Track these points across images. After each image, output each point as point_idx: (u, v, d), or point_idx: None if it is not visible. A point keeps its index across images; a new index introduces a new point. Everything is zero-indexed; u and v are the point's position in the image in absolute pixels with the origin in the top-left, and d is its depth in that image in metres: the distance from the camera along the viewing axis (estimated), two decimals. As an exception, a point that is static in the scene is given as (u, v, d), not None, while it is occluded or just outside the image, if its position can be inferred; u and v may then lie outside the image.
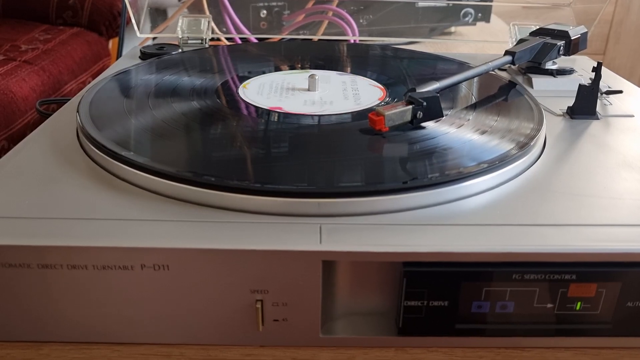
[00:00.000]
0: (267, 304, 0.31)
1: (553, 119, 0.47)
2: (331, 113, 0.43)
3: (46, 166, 0.37)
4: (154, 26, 0.73)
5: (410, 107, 0.39)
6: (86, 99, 0.44)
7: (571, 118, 0.47)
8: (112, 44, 1.26)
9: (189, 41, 0.65)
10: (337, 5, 0.76)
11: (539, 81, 0.52)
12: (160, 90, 0.46)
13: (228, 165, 0.35)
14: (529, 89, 0.52)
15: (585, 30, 0.57)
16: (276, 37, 0.84)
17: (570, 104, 0.49)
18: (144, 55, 0.60)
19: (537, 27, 0.65)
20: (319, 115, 0.43)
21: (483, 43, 0.95)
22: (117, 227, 0.31)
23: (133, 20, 0.64)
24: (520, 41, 0.55)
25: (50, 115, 0.69)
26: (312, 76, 0.47)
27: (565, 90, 0.52)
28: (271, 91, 0.47)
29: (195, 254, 0.30)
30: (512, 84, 0.52)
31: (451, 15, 0.94)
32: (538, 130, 0.40)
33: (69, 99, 0.83)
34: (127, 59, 0.61)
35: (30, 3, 1.22)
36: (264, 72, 0.52)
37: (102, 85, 0.47)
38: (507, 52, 0.52)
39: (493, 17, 0.95)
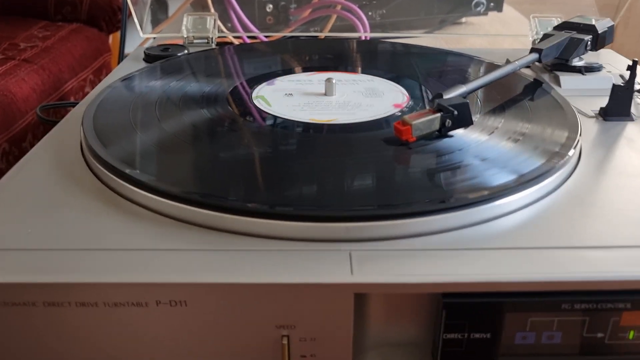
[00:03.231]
0: (294, 340, 0.28)
1: (586, 122, 0.44)
2: (352, 121, 0.40)
3: (49, 188, 0.34)
4: (156, 23, 0.70)
5: (439, 115, 0.36)
6: (90, 110, 0.41)
7: (604, 120, 0.44)
8: (112, 38, 1.23)
9: (195, 41, 0.62)
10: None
11: (567, 80, 0.50)
12: (168, 99, 0.44)
13: (248, 187, 0.32)
14: (556, 87, 0.49)
15: (612, 23, 0.54)
16: (284, 32, 0.81)
17: (601, 103, 0.46)
18: (148, 57, 0.57)
19: (561, 21, 0.62)
20: (340, 125, 0.40)
21: (502, 37, 0.92)
22: (128, 259, 0.28)
23: (135, 20, 0.61)
24: (545, 36, 0.52)
25: (51, 121, 0.67)
26: (329, 80, 0.45)
27: (595, 89, 0.49)
28: (287, 98, 0.44)
29: (215, 289, 0.27)
30: (537, 82, 0.49)
31: (462, 5, 0.91)
32: (574, 138, 0.38)
33: (70, 103, 0.80)
34: (131, 61, 0.58)
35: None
36: (275, 76, 0.49)
37: (105, 94, 0.44)
38: (533, 50, 0.49)
39: (505, 5, 0.91)
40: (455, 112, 0.36)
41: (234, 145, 0.37)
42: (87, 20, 1.15)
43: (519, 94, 0.47)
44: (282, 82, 0.48)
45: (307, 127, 0.40)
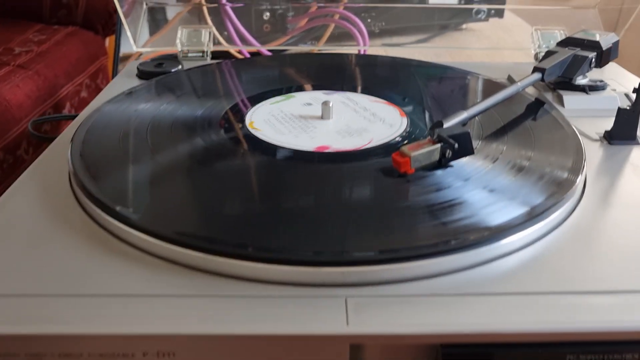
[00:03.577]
0: (287, 391, 0.27)
1: (590, 146, 0.43)
2: (349, 149, 0.39)
3: (34, 223, 0.33)
4: (152, 33, 0.68)
5: (439, 146, 0.35)
6: (78, 136, 0.40)
7: (609, 144, 0.43)
8: (109, 41, 1.21)
9: (189, 54, 0.61)
10: (345, 8, 0.71)
11: (570, 99, 0.48)
12: (161, 124, 0.42)
13: (239, 227, 0.31)
14: (559, 107, 0.48)
15: (617, 38, 0.53)
16: (281, 41, 0.79)
17: (606, 124, 0.45)
18: (141, 73, 0.55)
19: (564, 34, 0.61)
20: (335, 154, 0.39)
21: (497, 41, 0.91)
22: (115, 306, 0.27)
23: (128, 33, 0.60)
24: (548, 54, 0.51)
25: (43, 138, 0.66)
26: (325, 103, 0.43)
27: (599, 109, 0.48)
28: (281, 123, 0.43)
29: (204, 340, 0.26)
30: (539, 102, 0.48)
31: (463, 12, 0.89)
32: (579, 169, 0.36)
33: (63, 116, 0.78)
34: (124, 77, 0.56)
35: (23, 2, 1.17)
36: (270, 95, 0.48)
37: (94, 119, 0.43)
38: (536, 69, 0.48)
39: (506, 11, 0.90)
40: (456, 145, 0.34)
41: (225, 180, 0.36)
42: (83, 24, 1.14)
43: (521, 115, 0.45)
44: (277, 104, 0.47)
45: (301, 156, 0.38)
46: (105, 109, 0.45)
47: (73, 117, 0.71)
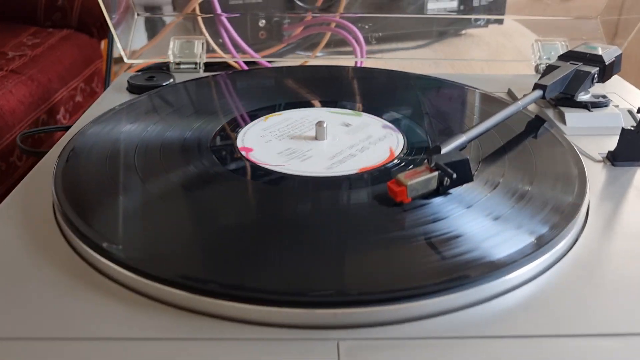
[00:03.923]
0: None
1: (592, 167, 0.41)
2: (343, 173, 0.38)
3: (15, 256, 0.32)
4: (146, 40, 0.67)
5: (436, 174, 0.34)
6: (62, 161, 0.38)
7: (613, 165, 0.42)
8: (104, 44, 1.20)
9: (182, 66, 0.59)
10: (341, 18, 0.70)
11: (572, 117, 0.47)
12: (147, 148, 0.40)
13: (226, 266, 0.30)
14: (560, 125, 0.47)
15: (620, 51, 0.51)
16: (277, 48, 0.78)
17: (609, 142, 0.43)
18: (132, 87, 0.54)
19: (565, 45, 0.59)
20: (329, 179, 0.37)
21: (497, 47, 0.89)
22: (97, 352, 0.26)
23: (119, 45, 0.58)
24: (549, 69, 0.49)
25: (32, 152, 0.64)
26: (319, 124, 0.42)
27: (602, 127, 0.46)
28: (274, 144, 0.42)
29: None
30: (540, 120, 0.47)
31: (462, 18, 0.88)
32: (582, 198, 0.35)
33: (53, 128, 0.77)
34: (114, 91, 0.55)
35: (17, 5, 1.15)
36: (263, 112, 0.47)
37: (78, 143, 0.41)
38: (537, 86, 0.46)
39: (506, 17, 0.89)
40: (454, 175, 0.33)
41: (214, 212, 0.34)
42: (78, 27, 1.12)
43: (521, 134, 0.44)
44: (270, 122, 0.45)
45: (292, 183, 0.37)
46: (90, 132, 0.43)
47: (63, 129, 0.70)
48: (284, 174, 0.38)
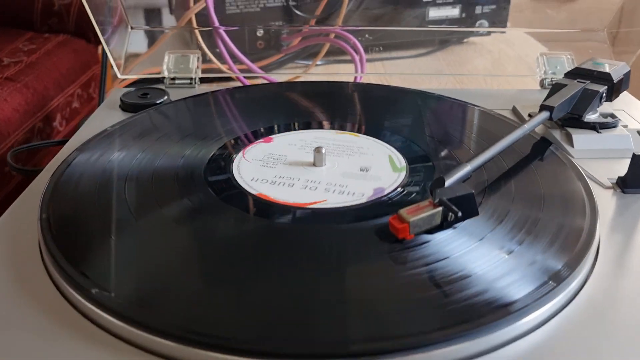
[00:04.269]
0: None
1: (602, 194, 0.40)
2: (342, 205, 0.36)
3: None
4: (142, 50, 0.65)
5: (440, 209, 0.32)
6: (48, 193, 0.37)
7: (623, 192, 0.40)
8: (101, 49, 1.18)
9: (177, 81, 0.58)
10: (342, 29, 0.68)
11: (580, 139, 0.45)
12: (138, 178, 0.39)
13: (222, 315, 0.28)
14: (567, 147, 0.45)
15: (628, 68, 0.50)
16: (275, 58, 0.76)
17: (618, 166, 0.42)
18: (125, 105, 0.52)
19: (571, 59, 0.58)
20: (327, 211, 0.36)
21: (499, 54, 0.88)
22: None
23: (112, 61, 0.56)
24: (556, 88, 0.48)
25: (23, 171, 0.62)
26: (318, 150, 0.40)
27: (611, 150, 0.45)
28: (269, 169, 0.40)
29: None
30: (546, 142, 0.45)
31: (464, 26, 0.86)
32: (593, 230, 0.33)
33: (44, 144, 0.75)
34: (106, 109, 0.53)
35: (13, 10, 1.14)
36: (259, 135, 0.45)
37: (67, 173, 0.39)
38: (543, 107, 0.44)
39: (509, 25, 0.87)
40: (460, 214, 0.31)
41: (212, 254, 0.33)
42: (75, 32, 1.11)
43: (526, 157, 0.43)
44: (267, 145, 0.43)
45: (288, 214, 0.35)
46: (77, 161, 0.41)
47: (53, 144, 0.68)
48: (279, 204, 0.36)
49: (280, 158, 0.42)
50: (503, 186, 0.39)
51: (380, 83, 0.76)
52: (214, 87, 0.70)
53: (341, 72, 0.74)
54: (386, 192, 0.38)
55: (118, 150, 0.42)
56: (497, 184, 0.39)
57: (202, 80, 0.63)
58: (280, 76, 0.76)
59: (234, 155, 0.42)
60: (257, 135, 0.45)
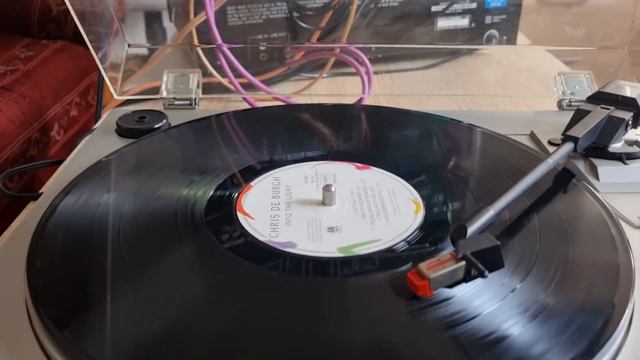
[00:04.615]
0: None
1: (631, 234, 0.37)
2: (356, 253, 0.33)
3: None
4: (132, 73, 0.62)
5: (463, 264, 0.29)
6: (34, 246, 0.33)
7: (655, 233, 0.37)
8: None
9: (176, 102, 0.55)
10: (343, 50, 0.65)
11: (605, 172, 0.42)
12: (134, 222, 0.35)
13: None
14: (592, 180, 0.42)
15: (655, 92, 0.47)
16: (278, 72, 0.73)
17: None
18: (121, 130, 0.49)
19: (590, 78, 0.55)
20: (338, 260, 0.33)
21: (509, 66, 0.85)
22: None
23: (108, 82, 0.54)
24: (578, 115, 0.45)
25: (13, 196, 0.60)
26: (327, 188, 0.37)
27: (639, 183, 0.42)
28: (274, 210, 0.37)
29: None
30: (569, 174, 0.42)
31: (473, 39, 0.83)
32: (629, 286, 0.31)
33: (37, 165, 0.72)
34: (101, 134, 0.50)
35: (10, 16, 1.11)
36: (264, 168, 0.42)
37: (53, 221, 0.36)
38: (567, 137, 0.42)
39: (520, 37, 0.84)
40: (486, 273, 0.28)
41: (217, 313, 0.30)
42: (73, 38, 1.08)
43: (549, 192, 0.40)
44: (272, 180, 0.41)
45: (298, 267, 0.32)
46: (65, 205, 0.37)
47: (47, 165, 0.65)
48: (293, 255, 0.33)
49: (287, 194, 0.39)
50: (526, 226, 0.36)
51: (389, 98, 0.74)
52: (215, 102, 0.68)
53: (349, 93, 0.71)
54: (401, 238, 0.35)
55: (109, 192, 0.39)
56: (519, 224, 0.36)
57: (204, 92, 0.61)
58: (284, 90, 0.73)
59: (237, 191, 0.39)
60: (262, 168, 0.42)
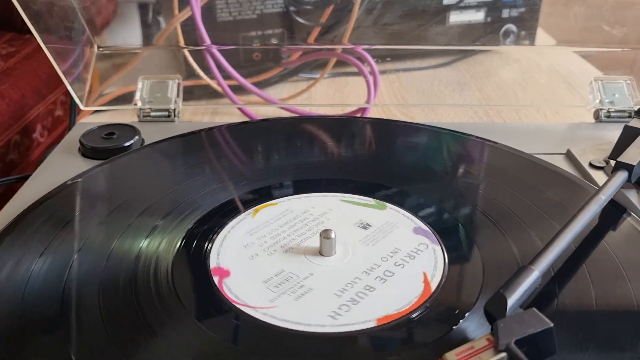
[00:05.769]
0: None
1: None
2: (364, 327, 0.26)
3: None
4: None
5: (504, 355, 0.22)
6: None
7: None
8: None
9: (152, 113, 0.47)
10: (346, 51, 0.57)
11: (664, 205, 0.35)
12: (81, 301, 0.27)
13: None
14: (647, 215, 0.35)
15: None
16: (272, 73, 0.66)
17: None
18: (85, 149, 0.42)
19: (631, 84, 0.47)
20: (345, 337, 0.25)
21: (529, 64, 0.77)
22: None
23: (71, 90, 0.46)
24: (627, 133, 0.37)
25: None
26: (326, 234, 0.30)
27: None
28: (260, 264, 0.30)
29: None
30: (619, 208, 0.35)
31: (488, 35, 0.76)
32: None
33: (13, 179, 0.65)
34: (62, 154, 0.43)
35: (-8, 9, 1.04)
36: (250, 202, 0.35)
37: (11, 272, 0.28)
38: (619, 165, 0.34)
39: (540, 34, 0.76)
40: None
41: None
42: (59, 32, 1.01)
43: (596, 230, 0.32)
44: (260, 219, 0.33)
45: (286, 344, 0.25)
46: (15, 270, 0.28)
47: (12, 181, 0.58)
48: (272, 327, 0.26)
49: (276, 240, 0.31)
50: (575, 281, 0.29)
51: (396, 102, 0.67)
52: (202, 109, 0.60)
53: (352, 103, 0.63)
54: (419, 304, 0.27)
55: (60, 246, 0.30)
56: (566, 276, 0.29)
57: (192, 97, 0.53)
58: (281, 92, 0.66)
59: (215, 235, 0.31)
60: (247, 202, 0.35)
